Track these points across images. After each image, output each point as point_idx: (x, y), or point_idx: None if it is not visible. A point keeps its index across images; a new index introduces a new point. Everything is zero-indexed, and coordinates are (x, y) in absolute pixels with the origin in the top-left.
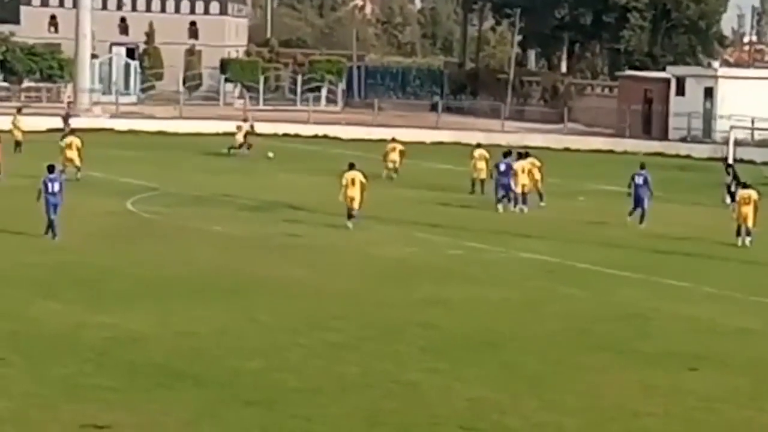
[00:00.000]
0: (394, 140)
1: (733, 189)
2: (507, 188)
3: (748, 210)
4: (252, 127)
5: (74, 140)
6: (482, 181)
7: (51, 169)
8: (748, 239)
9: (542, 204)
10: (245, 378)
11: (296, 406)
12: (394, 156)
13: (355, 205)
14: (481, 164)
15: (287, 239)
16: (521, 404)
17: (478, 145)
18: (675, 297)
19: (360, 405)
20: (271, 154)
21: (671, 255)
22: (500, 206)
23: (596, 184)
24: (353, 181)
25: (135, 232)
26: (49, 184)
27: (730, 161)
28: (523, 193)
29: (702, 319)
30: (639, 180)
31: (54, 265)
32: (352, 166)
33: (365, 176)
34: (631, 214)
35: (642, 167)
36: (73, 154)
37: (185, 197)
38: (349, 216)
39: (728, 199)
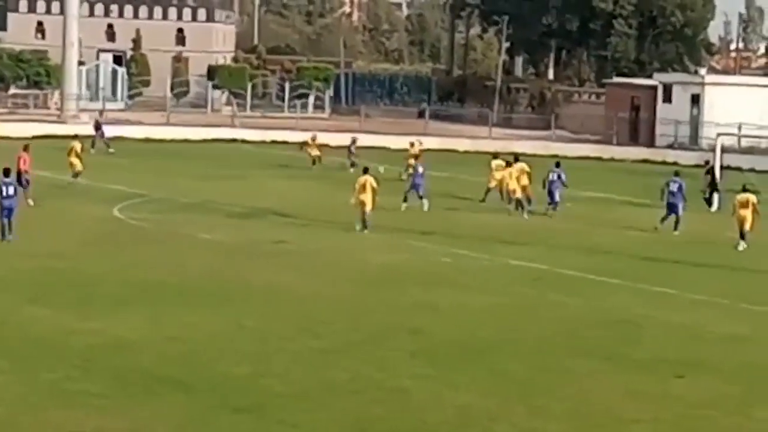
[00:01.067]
0: (413, 145)
1: (707, 195)
2: (417, 188)
3: (747, 213)
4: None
5: (75, 145)
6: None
7: (6, 172)
8: (742, 243)
9: (529, 209)
10: (233, 384)
11: (284, 411)
12: (412, 161)
13: (367, 209)
14: (500, 174)
15: (275, 245)
16: (509, 410)
17: (495, 156)
18: (663, 303)
19: (348, 411)
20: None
21: (659, 262)
22: (404, 205)
23: (583, 191)
24: (364, 186)
25: (122, 239)
26: (3, 188)
27: (717, 167)
28: (518, 199)
29: (690, 326)
30: (674, 187)
31: (41, 271)
32: (365, 171)
33: (377, 181)
34: (663, 221)
35: (676, 174)
36: (74, 158)
37: (172, 204)
38: (362, 221)
39: (710, 206)
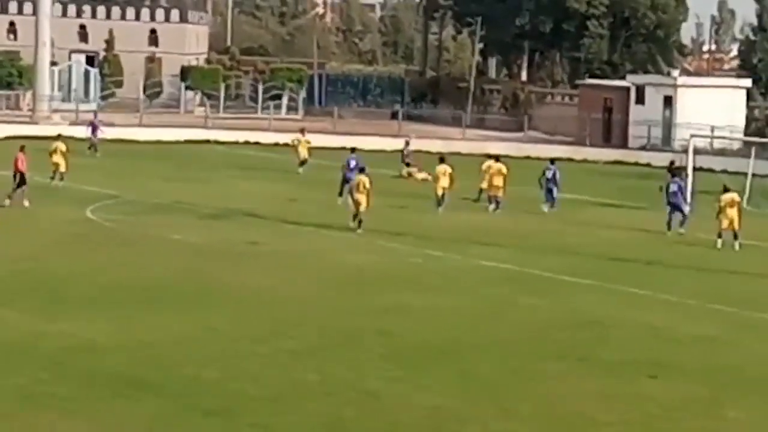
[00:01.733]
0: (408, 144)
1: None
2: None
3: (734, 212)
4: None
5: (59, 145)
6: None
7: None
8: (737, 243)
9: (498, 210)
10: (203, 386)
11: (255, 414)
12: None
13: (361, 208)
14: (498, 180)
15: (247, 247)
16: (480, 412)
17: (489, 156)
18: (633, 304)
19: (319, 413)
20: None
21: (630, 262)
22: (340, 200)
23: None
24: (358, 185)
25: (94, 240)
26: None
27: (690, 168)
28: (443, 196)
29: (660, 327)
30: (674, 188)
31: (11, 273)
32: (362, 170)
33: (371, 181)
34: (669, 224)
35: (674, 175)
36: (58, 158)
37: (145, 205)
38: (354, 219)
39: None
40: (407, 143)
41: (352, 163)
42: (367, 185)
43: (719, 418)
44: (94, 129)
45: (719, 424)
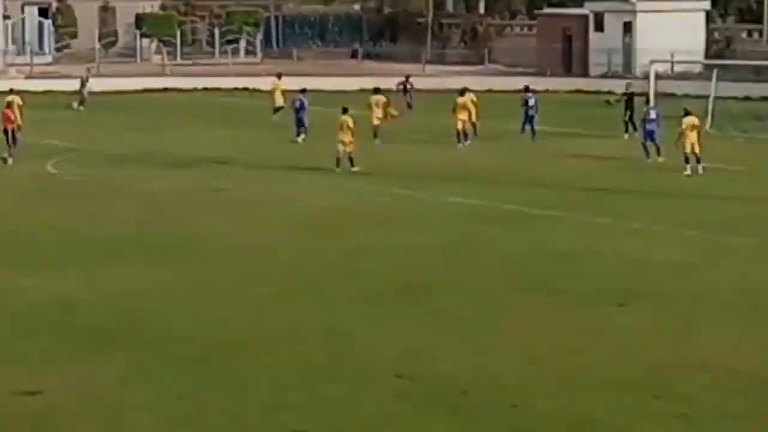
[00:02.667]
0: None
1: (626, 119)
2: (301, 123)
3: (695, 136)
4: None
5: (15, 98)
6: (474, 125)
7: None
8: (700, 167)
9: (467, 143)
10: (175, 335)
11: (228, 361)
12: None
13: (349, 148)
14: (463, 114)
15: (212, 194)
16: (454, 349)
17: (463, 92)
18: (603, 234)
19: (292, 357)
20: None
21: (597, 192)
22: (299, 138)
23: (519, 124)
24: (342, 126)
25: (57, 195)
26: None
27: (651, 94)
28: (378, 126)
29: (631, 255)
30: (653, 115)
31: None
32: (345, 111)
33: (354, 121)
34: (647, 151)
35: (648, 102)
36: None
37: (107, 157)
38: (338, 162)
39: (626, 134)
40: (407, 79)
41: (298, 103)
42: (351, 125)
43: (689, 345)
44: (83, 83)
45: (689, 350)
